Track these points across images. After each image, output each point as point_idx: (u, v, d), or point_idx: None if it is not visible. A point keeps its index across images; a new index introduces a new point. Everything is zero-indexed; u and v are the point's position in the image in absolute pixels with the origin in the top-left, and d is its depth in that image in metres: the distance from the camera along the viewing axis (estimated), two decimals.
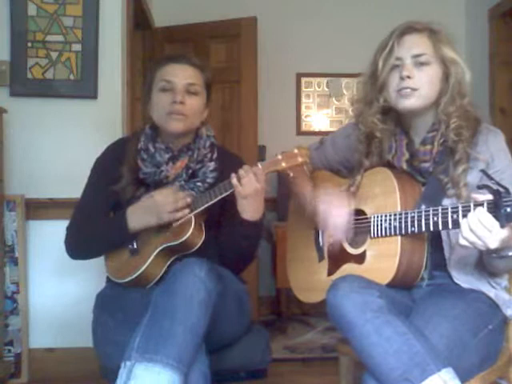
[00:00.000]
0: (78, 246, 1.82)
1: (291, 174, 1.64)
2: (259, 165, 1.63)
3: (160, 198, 1.69)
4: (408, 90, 1.52)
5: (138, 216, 1.71)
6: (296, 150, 1.60)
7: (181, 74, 1.78)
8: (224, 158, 1.86)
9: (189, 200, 1.69)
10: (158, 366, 1.36)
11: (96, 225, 1.79)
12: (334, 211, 1.59)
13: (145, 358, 1.38)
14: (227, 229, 1.76)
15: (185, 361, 1.40)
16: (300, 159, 1.59)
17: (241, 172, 1.63)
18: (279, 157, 1.61)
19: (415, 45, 1.54)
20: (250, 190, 1.63)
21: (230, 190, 1.65)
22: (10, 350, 2.60)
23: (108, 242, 1.78)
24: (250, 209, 1.67)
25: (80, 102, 2.71)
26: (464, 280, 1.53)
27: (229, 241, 1.75)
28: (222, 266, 1.76)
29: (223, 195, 1.67)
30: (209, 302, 1.47)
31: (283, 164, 1.60)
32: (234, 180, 1.63)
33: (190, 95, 1.78)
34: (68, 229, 1.84)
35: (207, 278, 1.47)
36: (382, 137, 1.61)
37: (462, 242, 1.33)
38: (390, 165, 1.61)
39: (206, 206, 1.69)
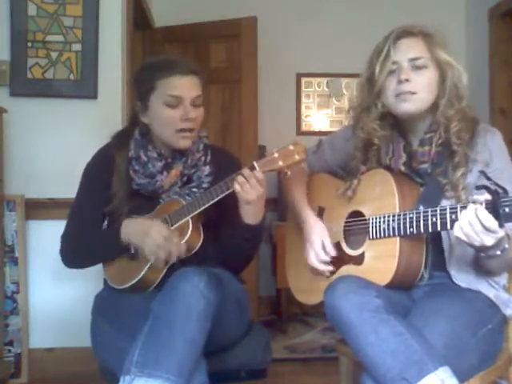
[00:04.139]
0: (73, 256, 1.81)
1: (289, 173, 1.59)
2: (255, 164, 1.58)
3: (153, 227, 1.65)
4: (407, 95, 1.52)
5: (130, 231, 1.69)
6: (292, 147, 1.55)
7: (188, 88, 1.70)
8: (218, 158, 1.82)
9: (181, 245, 1.64)
10: (158, 382, 1.35)
11: (90, 236, 1.77)
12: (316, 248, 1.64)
13: (144, 373, 1.37)
14: (228, 231, 1.74)
15: (184, 375, 1.39)
16: (297, 157, 1.55)
17: (241, 178, 1.58)
18: (275, 155, 1.56)
19: (411, 48, 1.54)
20: (253, 196, 1.59)
21: (227, 192, 1.61)
22: (9, 350, 2.60)
23: (102, 253, 1.76)
24: (253, 213, 1.65)
25: (80, 102, 2.71)
26: (463, 280, 1.53)
27: (230, 243, 1.73)
28: (222, 266, 1.76)
29: (219, 197, 1.63)
30: (208, 313, 1.45)
31: (280, 163, 1.55)
32: (237, 187, 1.58)
33: (196, 107, 1.72)
34: (62, 237, 1.82)
35: (206, 289, 1.45)
36: (379, 144, 1.61)
37: (458, 233, 1.33)
38: (388, 167, 1.61)
39: (202, 208, 1.65)
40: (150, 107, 1.74)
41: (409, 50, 1.54)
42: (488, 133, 1.56)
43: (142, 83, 1.76)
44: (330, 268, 1.64)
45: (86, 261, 1.83)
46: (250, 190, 1.58)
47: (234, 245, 1.73)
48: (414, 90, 1.52)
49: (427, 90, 1.54)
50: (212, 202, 1.64)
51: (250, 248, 1.76)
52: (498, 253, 1.37)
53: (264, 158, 1.59)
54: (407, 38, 1.55)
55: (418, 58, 1.53)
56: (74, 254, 1.81)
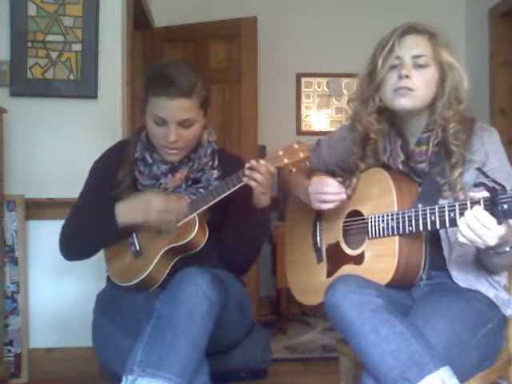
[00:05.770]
0: (70, 243, 1.80)
1: (293, 170, 1.63)
2: (261, 162, 1.61)
3: (151, 196, 1.68)
4: (405, 90, 1.52)
5: (126, 211, 1.70)
6: (296, 145, 1.59)
7: (173, 111, 1.66)
8: (224, 162, 1.82)
9: (182, 203, 1.67)
10: (161, 382, 1.36)
11: (86, 220, 1.77)
12: (325, 181, 1.63)
13: (147, 372, 1.37)
14: (238, 224, 1.75)
15: (187, 375, 1.39)
16: (302, 155, 1.58)
17: (258, 176, 1.60)
18: (280, 153, 1.59)
19: (415, 45, 1.54)
20: (268, 187, 1.64)
21: (234, 188, 1.63)
22: (10, 350, 2.60)
23: (97, 236, 1.76)
24: (267, 197, 1.70)
25: (80, 102, 2.71)
26: (463, 280, 1.53)
27: (243, 233, 1.74)
28: (228, 267, 1.76)
29: (226, 194, 1.64)
30: (211, 314, 1.46)
31: (285, 160, 1.59)
32: (253, 183, 1.61)
33: (185, 128, 1.69)
34: (62, 228, 1.83)
35: (210, 290, 1.46)
36: (376, 138, 1.61)
37: (461, 239, 1.34)
38: (385, 166, 1.61)
39: (209, 204, 1.67)
40: (146, 115, 1.75)
41: (413, 47, 1.54)
42: (485, 132, 1.57)
43: (142, 89, 1.76)
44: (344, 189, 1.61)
45: (83, 248, 1.81)
46: (265, 182, 1.62)
47: (246, 233, 1.74)
48: (413, 87, 1.52)
49: (425, 89, 1.54)
50: (219, 199, 1.65)
51: (262, 233, 1.78)
52: (507, 249, 1.36)
53: (269, 156, 1.62)
54: (413, 34, 1.55)
55: (420, 56, 1.53)
56: (71, 240, 1.80)
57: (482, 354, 1.45)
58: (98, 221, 1.75)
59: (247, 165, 1.62)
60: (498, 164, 1.53)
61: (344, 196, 1.60)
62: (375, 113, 1.60)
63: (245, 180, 1.61)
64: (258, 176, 1.60)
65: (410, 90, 1.52)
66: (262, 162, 1.60)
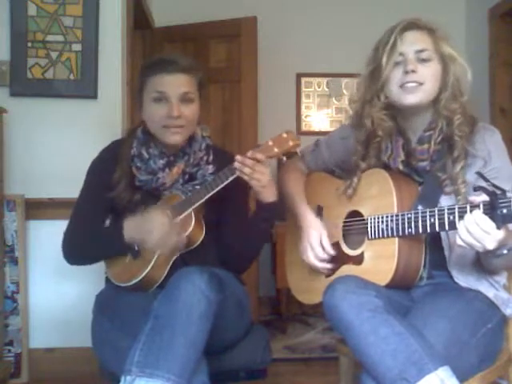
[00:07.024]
0: (75, 252, 1.81)
1: (284, 159, 1.64)
2: (248, 154, 1.61)
3: (155, 218, 1.66)
4: (413, 84, 1.52)
5: (131, 230, 1.70)
6: (285, 134, 1.60)
7: (174, 84, 1.72)
8: (220, 159, 1.83)
9: (182, 234, 1.66)
10: (159, 382, 1.35)
11: (93, 233, 1.77)
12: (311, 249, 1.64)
13: (145, 373, 1.36)
14: (239, 219, 1.75)
15: (185, 375, 1.38)
16: (291, 143, 1.59)
17: (247, 170, 1.61)
18: (270, 143, 1.60)
19: (417, 40, 1.55)
20: (265, 179, 1.63)
21: (227, 181, 1.64)
22: (9, 350, 2.60)
23: (104, 251, 1.77)
24: (271, 192, 1.68)
25: (80, 102, 2.71)
26: (464, 279, 1.53)
27: (244, 229, 1.75)
28: (227, 264, 1.76)
29: (220, 186, 1.65)
30: (209, 313, 1.45)
31: (276, 150, 1.59)
32: (245, 177, 1.61)
33: (185, 104, 1.73)
34: (65, 234, 1.83)
35: (208, 289, 1.45)
36: (382, 136, 1.60)
37: (460, 242, 1.34)
38: (386, 166, 1.61)
39: (205, 198, 1.67)
40: (142, 104, 1.79)
41: (415, 42, 1.54)
42: (487, 131, 1.57)
43: (138, 81, 1.82)
44: (329, 266, 1.64)
45: (88, 258, 1.84)
46: (260, 176, 1.61)
47: (250, 229, 1.74)
48: (421, 80, 1.52)
49: (432, 81, 1.54)
50: (213, 192, 1.66)
51: (266, 229, 1.77)
52: (505, 252, 1.36)
53: (259, 147, 1.63)
54: (413, 30, 1.56)
55: (423, 50, 1.54)
56: (76, 250, 1.81)
57: (482, 353, 1.45)
58: (107, 238, 1.76)
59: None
60: (500, 163, 1.53)
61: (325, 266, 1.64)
62: (384, 109, 1.60)
63: (237, 172, 1.62)
64: (246, 170, 1.61)
65: (420, 83, 1.52)
66: (249, 153, 1.60)
